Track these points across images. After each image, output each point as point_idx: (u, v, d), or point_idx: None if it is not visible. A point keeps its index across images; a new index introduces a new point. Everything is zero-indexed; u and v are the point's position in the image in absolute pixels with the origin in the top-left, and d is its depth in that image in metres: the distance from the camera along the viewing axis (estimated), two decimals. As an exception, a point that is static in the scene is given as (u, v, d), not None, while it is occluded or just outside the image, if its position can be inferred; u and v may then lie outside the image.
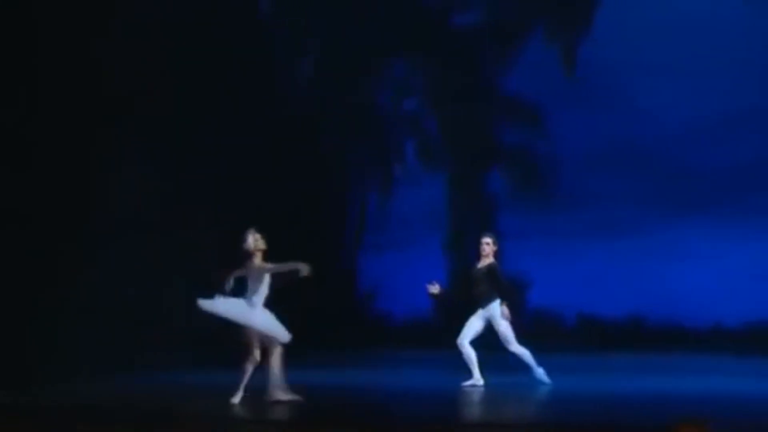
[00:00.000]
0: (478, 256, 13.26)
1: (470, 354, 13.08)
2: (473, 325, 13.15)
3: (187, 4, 17.99)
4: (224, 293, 11.04)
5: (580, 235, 19.87)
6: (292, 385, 11.19)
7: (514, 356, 13.03)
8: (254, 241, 11.20)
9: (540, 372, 12.97)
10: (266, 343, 11.06)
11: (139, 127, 16.72)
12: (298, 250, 18.73)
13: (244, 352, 11.01)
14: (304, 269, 11.07)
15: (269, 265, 11.17)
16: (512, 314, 13.01)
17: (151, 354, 15.52)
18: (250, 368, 11.02)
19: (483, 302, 13.07)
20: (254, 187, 18.81)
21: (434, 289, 13.23)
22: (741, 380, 13.96)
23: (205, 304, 11.02)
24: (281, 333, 11.08)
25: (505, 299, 13.00)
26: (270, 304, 11.21)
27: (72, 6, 15.61)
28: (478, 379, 13.00)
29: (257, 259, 11.17)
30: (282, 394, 11.08)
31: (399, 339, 20.14)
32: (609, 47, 20.46)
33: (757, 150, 20.01)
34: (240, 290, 11.18)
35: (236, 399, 10.96)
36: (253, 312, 11.02)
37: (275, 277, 11.24)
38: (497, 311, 12.98)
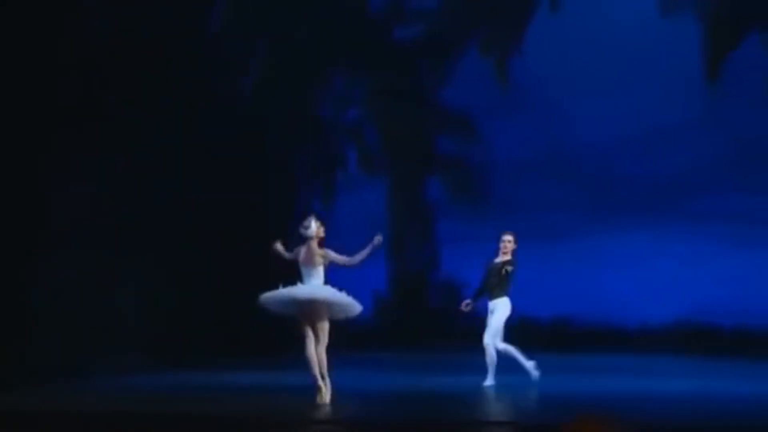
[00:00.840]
0: (496, 251, 13.20)
1: (494, 355, 12.94)
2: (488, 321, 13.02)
3: (138, 18, 17.80)
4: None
5: (513, 239, 19.99)
6: (242, 385, 11.07)
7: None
8: (317, 227, 10.99)
9: (490, 381, 12.86)
10: (317, 323, 10.77)
11: (89, 136, 16.52)
12: (244, 252, 18.73)
13: (304, 338, 10.74)
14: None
15: (333, 254, 11.01)
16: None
17: (103, 358, 15.33)
18: (313, 353, 10.75)
19: (492, 294, 13.04)
20: (203, 193, 18.66)
21: (467, 307, 13.28)
22: (667, 379, 14.06)
23: (270, 295, 10.85)
24: (355, 303, 10.90)
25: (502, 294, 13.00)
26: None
27: (23, 14, 15.33)
28: (489, 378, 12.91)
29: (316, 246, 10.91)
30: (324, 384, 10.87)
31: (340, 342, 19.98)
32: (540, 61, 20.54)
33: (678, 160, 20.11)
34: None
35: (325, 394, 10.76)
36: (323, 288, 10.82)
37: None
38: (501, 306, 12.97)
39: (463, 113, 21.23)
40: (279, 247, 11.22)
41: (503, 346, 12.92)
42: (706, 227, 19.36)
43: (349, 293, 10.95)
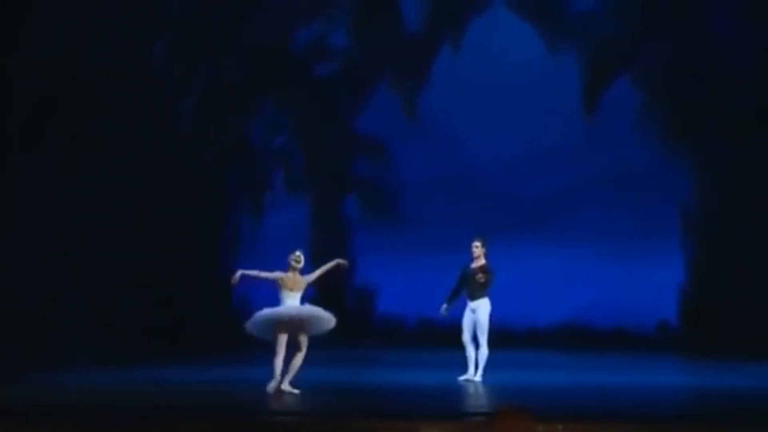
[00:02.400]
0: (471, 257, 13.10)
1: (473, 352, 12.87)
2: (468, 321, 12.94)
3: (82, 46, 17.67)
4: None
5: (420, 250, 20.03)
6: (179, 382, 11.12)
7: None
8: (300, 258, 11.61)
9: (472, 374, 12.84)
10: (300, 338, 11.38)
11: (36, 154, 16.36)
12: (179, 266, 18.83)
13: (279, 347, 11.31)
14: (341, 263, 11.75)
15: (312, 276, 11.70)
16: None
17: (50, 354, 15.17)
18: (281, 363, 11.35)
19: (476, 295, 12.90)
20: (143, 208, 18.57)
21: (445, 311, 13.15)
22: (556, 373, 14.36)
23: (262, 314, 11.41)
24: (333, 318, 11.57)
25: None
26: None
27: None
28: (471, 372, 12.85)
29: (298, 273, 11.54)
30: (290, 388, 11.43)
31: (267, 343, 19.95)
32: (444, 93, 20.87)
33: (560, 181, 20.48)
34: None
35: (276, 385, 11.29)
36: (309, 306, 11.50)
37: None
38: (484, 305, 12.85)
39: (376, 139, 21.46)
40: (248, 272, 11.78)
41: (478, 344, 12.84)
42: (583, 240, 19.59)
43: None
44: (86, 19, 17.70)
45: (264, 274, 11.67)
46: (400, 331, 20.04)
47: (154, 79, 19.26)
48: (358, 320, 20.23)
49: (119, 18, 18.31)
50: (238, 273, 11.70)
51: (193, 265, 19.50)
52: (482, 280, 12.75)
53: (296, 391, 11.50)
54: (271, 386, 11.48)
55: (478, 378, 12.77)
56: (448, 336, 18.99)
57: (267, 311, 11.49)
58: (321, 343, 18.26)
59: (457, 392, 11.97)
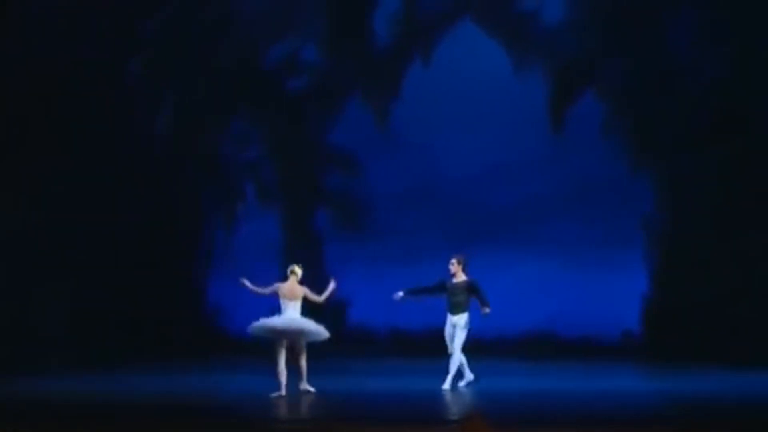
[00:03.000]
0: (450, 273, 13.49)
1: (461, 359, 13.27)
2: (449, 334, 13.35)
3: (57, 62, 17.72)
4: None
5: (390, 261, 20.05)
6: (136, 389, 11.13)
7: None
8: (301, 271, 12.51)
9: (470, 377, 13.27)
10: (296, 345, 12.21)
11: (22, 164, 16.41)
12: (155, 277, 18.92)
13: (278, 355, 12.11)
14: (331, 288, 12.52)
15: (313, 295, 12.55)
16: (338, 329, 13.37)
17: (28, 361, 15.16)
18: (284, 368, 12.17)
19: (456, 310, 13.27)
20: (116, 222, 18.64)
21: (399, 294, 13.62)
22: (523, 381, 14.57)
23: (259, 323, 12.24)
24: (325, 332, 12.29)
25: (487, 303, 13.31)
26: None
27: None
28: (469, 376, 13.33)
29: (297, 284, 12.39)
30: (308, 386, 12.30)
31: (239, 349, 20.03)
32: (414, 107, 20.93)
33: (525, 193, 20.52)
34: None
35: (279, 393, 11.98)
36: (303, 319, 12.23)
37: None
38: (464, 320, 13.21)
39: (347, 151, 21.47)
40: (247, 283, 12.65)
41: (460, 356, 13.28)
42: (549, 251, 19.74)
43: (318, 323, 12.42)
44: (60, 35, 17.79)
45: (261, 289, 12.62)
46: (371, 341, 20.12)
47: (128, 94, 19.36)
48: (330, 330, 20.30)
49: (93, 35, 18.41)
50: (247, 284, 12.59)
51: (168, 274, 19.58)
52: (462, 300, 13.19)
53: (312, 389, 12.37)
54: (275, 394, 12.09)
55: (447, 385, 13.11)
56: (418, 345, 19.24)
57: (263, 321, 12.32)
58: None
59: (425, 400, 12.06)
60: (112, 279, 18.19)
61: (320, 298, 12.56)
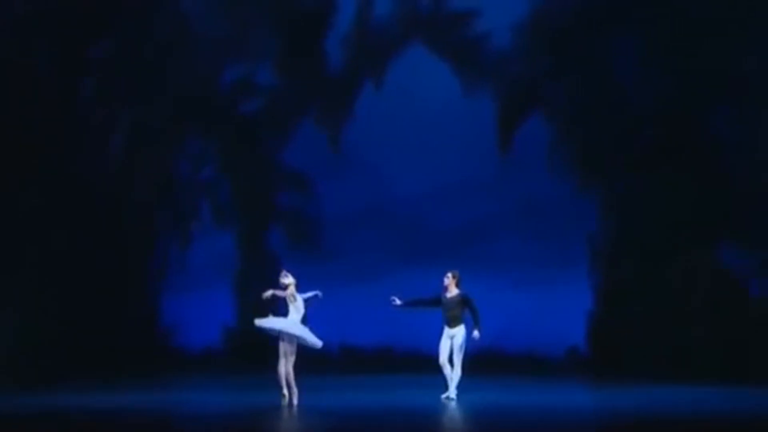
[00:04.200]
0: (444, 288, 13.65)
1: (450, 371, 13.36)
2: (444, 345, 13.41)
3: (13, 81, 17.58)
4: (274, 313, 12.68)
5: (342, 279, 19.99)
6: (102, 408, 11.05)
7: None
8: (286, 279, 12.82)
9: (454, 393, 13.31)
10: (288, 351, 12.51)
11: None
12: (108, 295, 18.76)
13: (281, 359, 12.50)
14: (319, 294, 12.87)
15: (298, 297, 12.77)
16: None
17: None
18: (283, 370, 12.53)
19: (453, 323, 13.38)
20: (70, 240, 18.46)
21: (397, 302, 13.62)
22: (472, 396, 14.29)
23: (262, 321, 12.61)
24: (316, 340, 12.63)
25: (477, 323, 13.38)
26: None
27: None
28: (452, 390, 13.31)
29: (293, 290, 12.70)
30: (286, 392, 12.52)
31: (193, 366, 19.91)
32: (366, 129, 21.19)
33: (477, 212, 20.81)
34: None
35: (289, 397, 12.42)
36: (297, 324, 12.56)
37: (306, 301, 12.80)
38: (461, 332, 13.35)
39: (300, 172, 21.58)
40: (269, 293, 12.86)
41: (453, 365, 13.38)
42: (497, 270, 19.74)
43: (312, 331, 12.79)
44: (13, 54, 17.65)
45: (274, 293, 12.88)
46: (324, 358, 20.03)
47: (81, 114, 19.24)
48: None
49: (47, 56, 18.30)
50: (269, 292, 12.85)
51: (122, 293, 19.43)
52: (458, 313, 13.40)
53: (286, 397, 12.50)
54: (280, 398, 12.53)
55: (453, 395, 13.27)
56: (370, 361, 19.23)
57: (261, 321, 12.74)
58: (246, 368, 18.22)
59: (374, 415, 12.04)
60: (65, 297, 17.99)
61: (282, 294, 12.77)
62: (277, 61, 21.43)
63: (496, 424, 11.00)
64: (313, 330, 12.80)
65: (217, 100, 21.15)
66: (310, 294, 12.91)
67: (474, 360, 19.32)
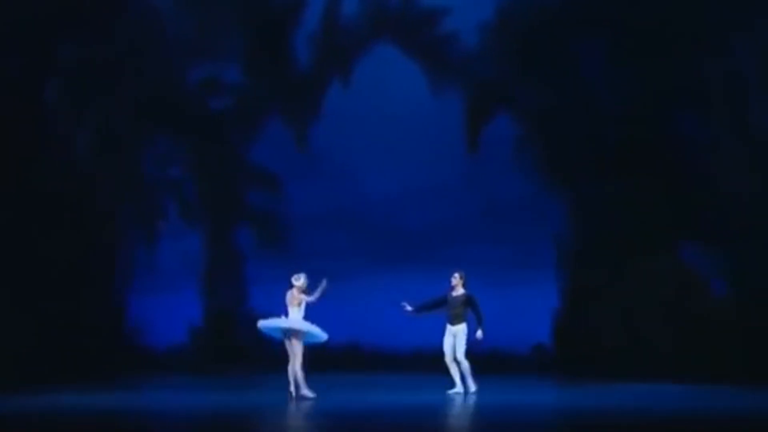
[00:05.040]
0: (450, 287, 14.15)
1: (456, 369, 13.84)
2: (448, 343, 13.88)
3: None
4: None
5: (309, 280, 19.98)
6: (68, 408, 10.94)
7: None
8: (305, 281, 13.26)
9: (468, 387, 13.81)
10: (296, 350, 12.90)
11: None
12: (74, 295, 18.52)
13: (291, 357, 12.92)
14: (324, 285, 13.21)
15: (311, 297, 13.19)
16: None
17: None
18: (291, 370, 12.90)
19: (456, 321, 13.86)
20: (35, 241, 18.25)
21: (408, 308, 14.03)
22: (435, 393, 14.31)
23: (267, 322, 13.05)
24: (322, 333, 13.01)
25: (480, 323, 13.81)
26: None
27: None
28: (470, 386, 13.83)
29: (301, 292, 13.12)
30: (308, 392, 12.91)
31: (159, 366, 19.76)
32: (334, 129, 21.09)
33: (446, 213, 20.84)
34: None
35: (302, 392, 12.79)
36: (304, 322, 12.99)
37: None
38: (463, 329, 13.82)
39: (268, 172, 21.44)
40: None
41: (458, 361, 13.86)
42: (464, 269, 19.76)
43: (317, 326, 13.15)
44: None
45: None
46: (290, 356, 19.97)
47: (47, 114, 19.02)
48: (249, 345, 20.11)
49: (13, 56, 18.07)
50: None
51: (88, 292, 19.21)
52: (461, 312, 13.88)
53: (311, 395, 12.94)
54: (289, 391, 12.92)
55: (473, 389, 13.86)
56: (337, 361, 19.17)
57: (265, 322, 13.17)
58: (214, 368, 18.05)
59: (338, 412, 11.99)
60: (29, 297, 17.74)
61: (311, 298, 13.15)
62: (244, 60, 21.34)
63: (463, 420, 10.95)
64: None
65: (185, 99, 21.01)
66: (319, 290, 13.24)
67: (440, 359, 19.37)
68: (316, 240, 20.75)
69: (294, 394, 12.90)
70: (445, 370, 14.14)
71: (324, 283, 13.19)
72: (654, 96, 18.95)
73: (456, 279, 14.08)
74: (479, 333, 13.77)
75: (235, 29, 21.11)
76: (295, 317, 13.04)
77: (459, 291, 14.04)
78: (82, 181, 19.36)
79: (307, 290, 13.18)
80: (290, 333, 12.96)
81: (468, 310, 13.91)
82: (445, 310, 13.97)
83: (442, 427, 10.35)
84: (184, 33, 20.69)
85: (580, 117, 19.86)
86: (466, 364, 13.89)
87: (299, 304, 13.08)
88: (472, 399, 13.38)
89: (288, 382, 12.99)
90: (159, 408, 13.02)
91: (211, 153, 21.27)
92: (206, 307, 21.03)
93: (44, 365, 17.12)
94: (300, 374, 12.93)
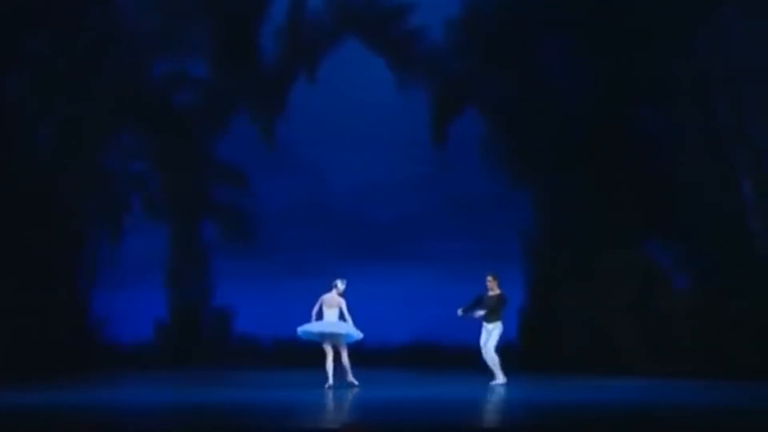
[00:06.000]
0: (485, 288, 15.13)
1: (495, 359, 14.86)
2: (483, 338, 14.92)
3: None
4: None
5: (276, 274, 20.00)
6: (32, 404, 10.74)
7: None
8: (343, 286, 14.24)
9: (500, 380, 14.74)
10: (338, 346, 13.96)
11: None
12: (37, 290, 18.25)
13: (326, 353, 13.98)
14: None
15: (344, 305, 14.12)
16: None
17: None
18: (331, 364, 13.93)
19: (491, 319, 14.88)
20: (1, 235, 18.00)
21: (459, 312, 15.05)
22: (406, 389, 14.40)
23: (307, 327, 13.93)
24: (359, 333, 14.00)
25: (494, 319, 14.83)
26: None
27: None
28: (502, 378, 14.77)
29: (336, 295, 14.09)
30: (353, 380, 14.06)
31: (124, 361, 19.53)
32: (301, 122, 20.97)
33: (412, 207, 20.80)
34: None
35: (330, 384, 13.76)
36: (343, 324, 13.97)
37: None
38: (498, 327, 14.85)
39: (234, 166, 21.26)
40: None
41: (489, 353, 14.90)
42: (432, 264, 19.99)
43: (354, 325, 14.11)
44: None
45: (316, 309, 14.13)
46: (257, 351, 19.91)
47: (10, 108, 18.73)
48: (216, 341, 19.99)
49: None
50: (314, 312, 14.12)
51: (51, 288, 18.94)
52: (494, 310, 14.90)
53: (356, 383, 14.05)
54: (327, 385, 13.76)
55: (501, 380, 14.80)
56: (303, 356, 19.04)
57: (307, 326, 13.99)
58: (179, 364, 17.89)
59: (308, 409, 11.89)
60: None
61: (346, 316, 14.06)
62: (211, 55, 21.15)
63: (428, 418, 10.89)
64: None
65: (150, 93, 20.76)
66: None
67: (406, 354, 19.40)
68: (283, 234, 20.65)
69: (332, 384, 13.81)
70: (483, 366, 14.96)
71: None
72: (618, 92, 19.01)
73: (490, 281, 15.04)
74: (461, 312, 14.91)
75: (202, 23, 20.93)
76: (332, 320, 14.01)
77: (495, 291, 14.99)
78: (45, 175, 19.11)
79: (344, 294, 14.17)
80: (332, 337, 13.98)
81: (502, 308, 14.91)
82: (481, 308, 14.90)
83: (411, 421, 10.27)
84: (150, 27, 20.47)
85: (546, 112, 19.89)
86: (496, 358, 14.82)
87: (338, 306, 14.02)
88: (497, 386, 14.35)
89: (327, 378, 13.84)
90: (124, 404, 12.89)
91: (176, 147, 21.03)
92: (172, 302, 20.86)
93: (8, 361, 16.87)
94: (347, 363, 14.04)
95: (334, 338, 13.99)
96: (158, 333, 20.55)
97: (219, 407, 12.38)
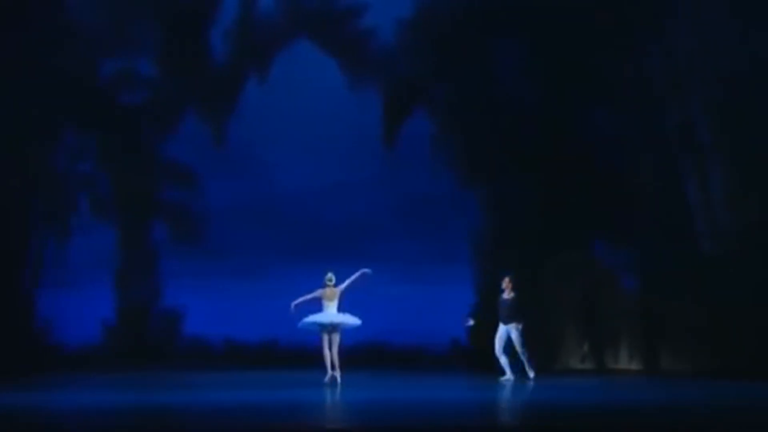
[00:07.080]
0: (501, 290, 15.71)
1: (506, 360, 15.42)
2: (501, 338, 15.44)
3: None
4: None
5: (226, 276, 19.84)
6: None
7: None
8: (332, 278, 14.67)
9: (509, 376, 15.34)
10: (333, 335, 14.33)
11: None
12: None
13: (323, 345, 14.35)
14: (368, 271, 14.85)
15: (343, 285, 14.63)
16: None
17: None
18: (327, 353, 14.29)
19: (507, 320, 15.40)
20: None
21: (470, 321, 15.85)
22: (359, 390, 14.14)
23: (307, 320, 14.28)
24: (356, 320, 14.52)
25: (521, 321, 15.38)
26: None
27: None
28: (509, 376, 15.37)
29: (333, 288, 14.56)
30: (337, 375, 14.28)
31: (70, 363, 19.16)
32: (251, 123, 20.82)
33: (363, 208, 20.70)
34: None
35: (331, 374, 14.17)
36: (341, 314, 14.43)
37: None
38: (515, 328, 15.33)
39: (183, 166, 21.03)
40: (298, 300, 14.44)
41: (502, 354, 15.48)
42: (382, 265, 19.52)
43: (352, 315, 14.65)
44: None
45: (309, 297, 14.44)
46: (207, 353, 19.70)
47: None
48: (164, 343, 19.71)
49: None
50: (293, 305, 14.32)
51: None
52: (510, 312, 15.42)
53: (338, 378, 14.31)
54: (327, 377, 14.17)
55: (532, 375, 15.40)
56: (253, 357, 18.90)
57: (312, 318, 14.33)
58: (127, 366, 17.58)
59: (256, 410, 11.73)
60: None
61: (343, 286, 14.58)
62: (159, 54, 20.86)
63: (384, 418, 10.78)
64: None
65: (97, 92, 20.43)
66: (355, 276, 14.72)
67: (359, 355, 19.28)
68: (232, 235, 20.47)
69: (332, 377, 14.22)
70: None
71: (358, 273, 14.73)
72: (569, 95, 19.13)
73: (506, 282, 15.56)
74: (471, 321, 15.72)
75: (150, 22, 20.66)
76: (333, 312, 14.44)
77: (510, 294, 15.51)
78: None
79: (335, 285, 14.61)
80: (335, 326, 14.40)
81: (519, 309, 15.39)
82: (498, 311, 15.47)
83: (360, 422, 10.18)
84: (97, 25, 20.14)
85: (496, 114, 19.94)
86: (526, 353, 15.37)
87: (338, 298, 14.50)
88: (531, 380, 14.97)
89: (326, 364, 14.29)
90: (70, 408, 12.58)
91: (124, 147, 20.73)
92: (120, 303, 20.55)
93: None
94: (336, 357, 14.34)
95: (338, 328, 14.45)
96: (105, 334, 20.22)
97: (165, 409, 12.17)
